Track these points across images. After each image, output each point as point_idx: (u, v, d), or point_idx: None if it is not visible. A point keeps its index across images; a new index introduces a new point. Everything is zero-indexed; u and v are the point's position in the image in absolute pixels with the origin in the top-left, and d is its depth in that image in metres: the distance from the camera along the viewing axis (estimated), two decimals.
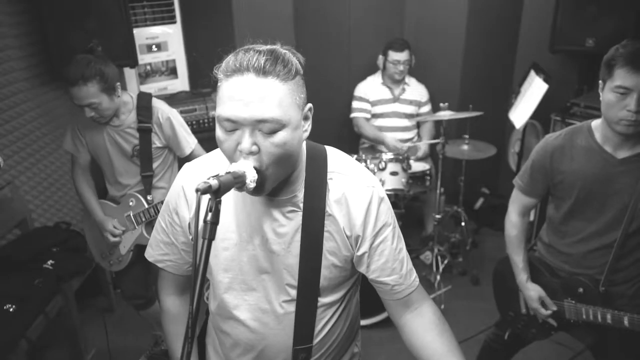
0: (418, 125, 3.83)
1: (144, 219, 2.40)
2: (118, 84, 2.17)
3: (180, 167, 2.41)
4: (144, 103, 2.30)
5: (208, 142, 2.22)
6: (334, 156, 1.19)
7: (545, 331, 1.99)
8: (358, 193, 1.13)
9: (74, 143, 2.36)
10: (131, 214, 2.41)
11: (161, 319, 1.36)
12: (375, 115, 3.74)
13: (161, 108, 2.33)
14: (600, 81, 1.64)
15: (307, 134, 1.08)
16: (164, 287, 1.34)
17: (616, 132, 1.63)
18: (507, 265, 2.00)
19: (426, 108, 3.77)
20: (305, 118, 1.07)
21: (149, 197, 2.39)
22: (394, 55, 3.56)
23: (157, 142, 2.34)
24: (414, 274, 1.23)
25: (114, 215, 2.43)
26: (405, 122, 3.71)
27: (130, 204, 2.41)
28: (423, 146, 3.68)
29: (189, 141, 2.39)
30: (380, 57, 3.67)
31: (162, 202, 2.25)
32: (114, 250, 2.46)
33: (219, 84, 1.00)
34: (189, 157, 2.37)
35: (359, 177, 1.16)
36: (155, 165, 2.38)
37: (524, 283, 1.92)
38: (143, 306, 2.59)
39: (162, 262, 1.28)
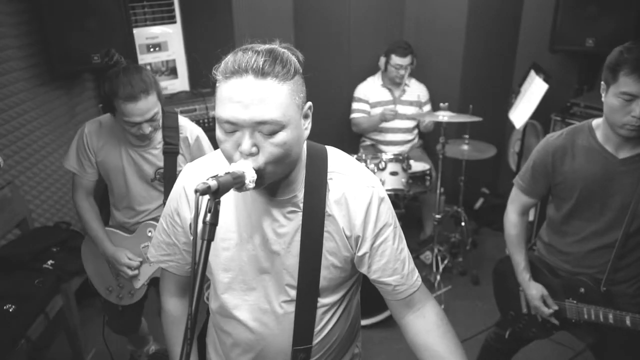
0: (418, 125, 3.83)
1: None
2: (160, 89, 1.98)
3: None
4: (170, 123, 2.07)
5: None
6: (334, 156, 1.18)
7: (546, 330, 1.99)
8: (358, 193, 1.13)
9: (79, 161, 2.07)
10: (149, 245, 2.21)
11: (162, 320, 1.36)
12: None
13: (189, 127, 2.12)
14: (602, 82, 1.63)
15: (307, 132, 1.08)
16: (166, 289, 1.34)
17: (619, 135, 1.63)
18: (507, 264, 2.00)
19: (426, 108, 3.78)
20: (305, 116, 1.06)
21: None
22: (396, 60, 3.56)
23: (182, 164, 2.10)
24: (416, 274, 1.23)
25: (125, 246, 2.16)
26: (406, 124, 3.71)
27: (149, 234, 2.15)
28: (428, 117, 3.51)
29: None
30: (382, 59, 3.67)
31: None
32: (125, 283, 2.19)
33: (217, 84, 1.00)
34: None
35: (359, 177, 1.15)
36: None
37: (526, 282, 1.92)
38: (129, 334, 2.50)
39: (165, 263, 1.28)
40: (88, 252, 2.23)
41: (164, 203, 2.08)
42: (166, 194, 2.11)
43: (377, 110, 3.71)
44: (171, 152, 2.07)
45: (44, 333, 2.17)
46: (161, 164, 2.08)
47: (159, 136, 2.07)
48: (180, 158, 2.10)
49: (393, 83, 3.68)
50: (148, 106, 1.86)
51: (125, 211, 2.17)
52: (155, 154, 2.08)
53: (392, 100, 3.70)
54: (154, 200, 2.15)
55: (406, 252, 1.21)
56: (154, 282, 2.23)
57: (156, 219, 2.16)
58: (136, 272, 2.14)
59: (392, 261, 1.17)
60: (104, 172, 2.11)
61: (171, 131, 2.06)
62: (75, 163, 2.07)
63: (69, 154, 2.09)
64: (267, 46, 1.00)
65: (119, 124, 1.95)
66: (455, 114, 3.24)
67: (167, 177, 2.08)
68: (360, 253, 1.16)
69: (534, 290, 1.90)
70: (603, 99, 1.64)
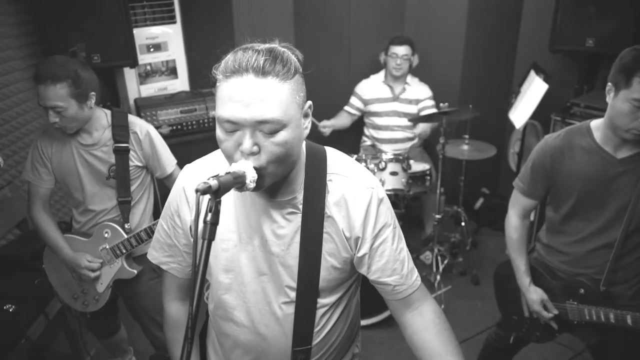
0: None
1: (124, 251, 2.14)
2: (93, 93, 1.97)
3: (158, 189, 2.28)
4: (120, 122, 2.09)
5: (208, 142, 2.21)
6: (334, 157, 1.18)
7: (550, 333, 1.98)
8: (357, 195, 1.13)
9: (35, 170, 2.08)
10: (107, 247, 2.15)
11: (163, 324, 1.36)
12: (374, 114, 3.74)
13: (139, 123, 2.13)
14: (610, 83, 1.60)
15: (307, 131, 1.08)
16: (168, 292, 1.34)
17: (621, 138, 1.62)
18: (508, 268, 1.99)
19: (426, 103, 3.72)
20: (305, 116, 1.06)
21: (126, 226, 2.15)
22: (393, 49, 3.59)
23: (135, 160, 2.12)
24: (416, 274, 1.23)
25: (84, 249, 2.16)
26: (405, 122, 3.71)
27: (106, 235, 2.15)
28: (422, 126, 3.60)
29: (169, 159, 2.19)
30: (382, 55, 3.69)
31: (143, 230, 2.12)
32: (89, 289, 2.21)
33: (217, 84, 0.99)
34: (170, 178, 2.19)
35: (358, 179, 1.15)
36: (133, 187, 2.15)
37: (526, 286, 1.92)
38: (108, 335, 2.50)
39: (166, 264, 1.28)
40: (50, 264, 2.24)
41: (118, 201, 2.14)
42: (119, 191, 2.13)
43: (374, 107, 3.73)
44: (122, 150, 2.09)
45: (44, 333, 2.17)
46: (113, 161, 2.10)
47: (107, 134, 2.08)
48: (132, 154, 2.11)
49: (393, 79, 3.68)
50: (50, 94, 1.86)
51: (85, 213, 2.17)
52: (106, 151, 2.08)
53: (392, 98, 3.70)
54: (109, 200, 2.16)
55: (405, 252, 1.21)
56: (119, 285, 2.24)
57: (113, 220, 2.17)
58: (98, 273, 2.15)
59: (391, 261, 1.17)
60: (60, 176, 2.11)
61: (120, 129, 2.09)
62: (31, 172, 2.09)
63: (25, 165, 2.11)
64: (267, 45, 1.00)
65: None
66: (449, 108, 3.22)
67: (119, 175, 2.10)
68: (359, 254, 1.16)
69: (534, 295, 1.90)
70: (608, 100, 1.62)
